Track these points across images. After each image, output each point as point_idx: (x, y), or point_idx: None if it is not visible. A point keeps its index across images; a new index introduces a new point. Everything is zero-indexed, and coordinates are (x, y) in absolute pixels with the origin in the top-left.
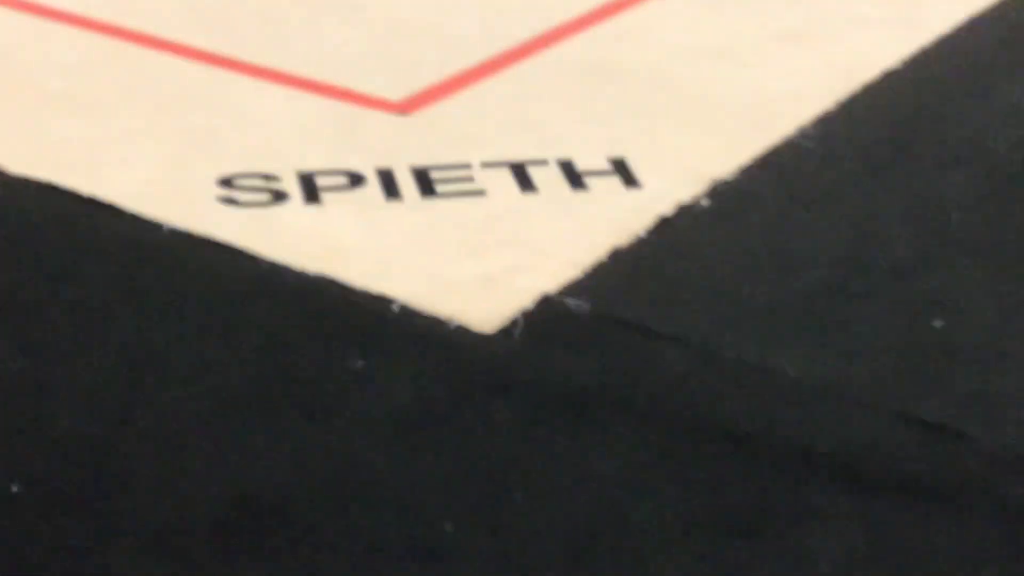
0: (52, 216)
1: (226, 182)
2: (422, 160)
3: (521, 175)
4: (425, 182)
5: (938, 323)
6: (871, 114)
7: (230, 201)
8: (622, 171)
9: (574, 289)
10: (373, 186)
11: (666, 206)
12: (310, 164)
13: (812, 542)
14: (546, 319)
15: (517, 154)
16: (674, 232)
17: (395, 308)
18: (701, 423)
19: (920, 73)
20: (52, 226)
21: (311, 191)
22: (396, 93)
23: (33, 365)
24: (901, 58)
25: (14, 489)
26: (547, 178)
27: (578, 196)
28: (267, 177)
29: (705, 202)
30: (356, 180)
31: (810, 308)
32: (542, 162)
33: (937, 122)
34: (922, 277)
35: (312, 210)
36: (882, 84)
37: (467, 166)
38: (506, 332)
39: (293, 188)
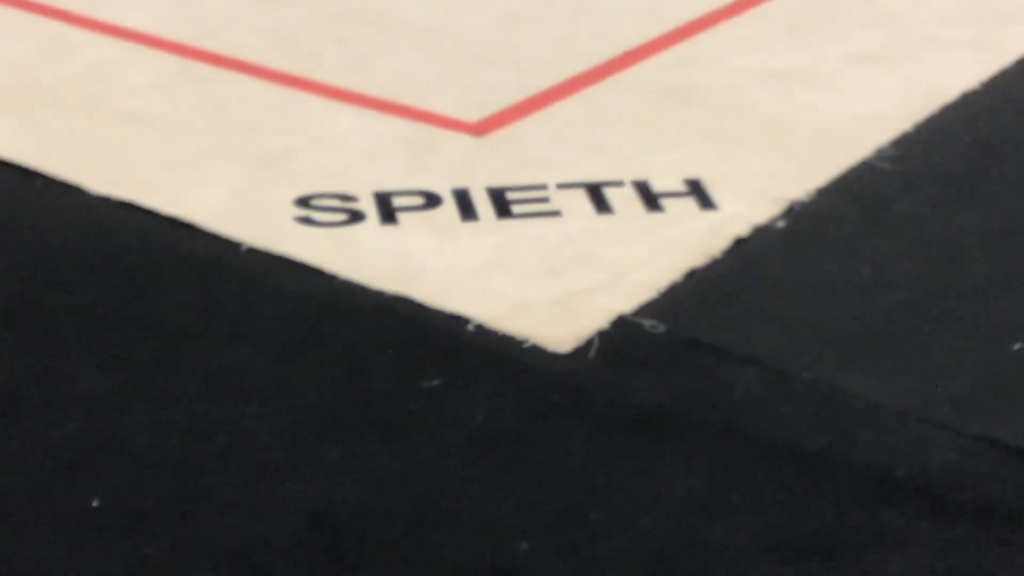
0: (132, 235)
1: (303, 202)
2: (498, 181)
3: (597, 196)
4: (501, 203)
5: (1018, 346)
6: (949, 136)
7: (307, 221)
8: (698, 193)
9: (649, 310)
10: (449, 206)
11: (742, 228)
12: (386, 184)
13: (889, 566)
14: (621, 340)
15: (593, 175)
16: (750, 254)
17: (471, 328)
18: (777, 445)
19: (999, 95)
20: (132, 245)
21: (387, 211)
22: (471, 114)
23: (114, 382)
24: (980, 80)
25: (95, 504)
26: (623, 199)
27: (654, 217)
28: (344, 197)
29: (781, 224)
30: (432, 200)
31: (888, 331)
32: (618, 183)
33: (1016, 144)
34: (1002, 300)
35: (388, 230)
36: (961, 106)
37: (543, 187)
38: (581, 352)
39: (370, 208)
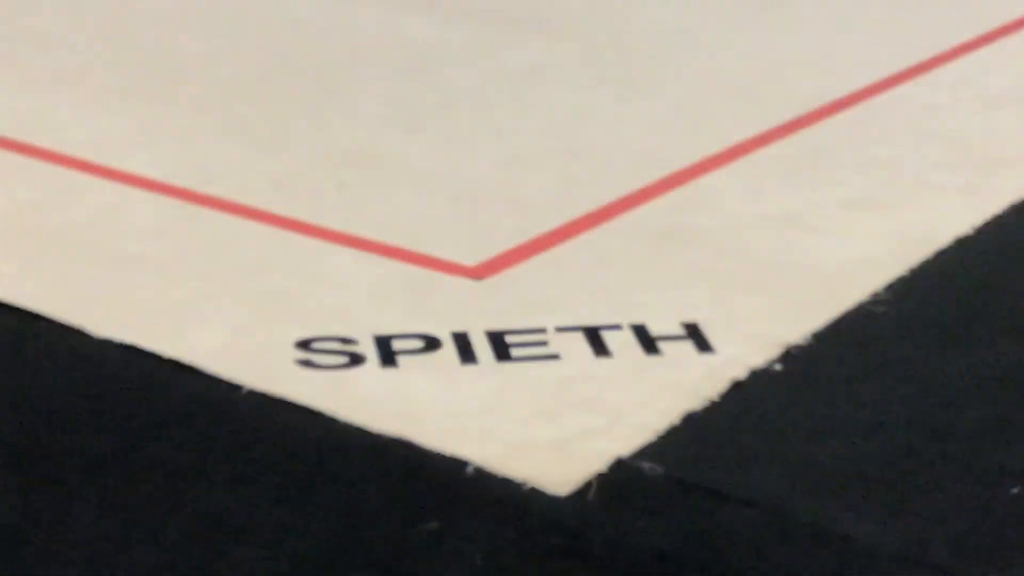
0: (133, 377)
1: (304, 344)
2: (497, 324)
3: (595, 339)
4: (500, 346)
5: (1016, 490)
6: (944, 281)
7: (308, 363)
8: (695, 336)
9: (648, 453)
10: (448, 349)
11: (739, 371)
12: (386, 327)
13: None
14: (620, 482)
15: (591, 319)
16: (747, 397)
17: (469, 470)
18: None
19: (993, 241)
20: (133, 387)
21: (387, 354)
22: (470, 258)
23: (114, 524)
24: (972, 225)
25: None
26: (621, 342)
27: (652, 360)
28: (344, 340)
29: (778, 367)
30: (432, 344)
31: (885, 474)
32: (616, 327)
33: (1009, 289)
34: (999, 444)
35: (388, 373)
36: (955, 251)
37: (542, 330)
38: (580, 495)
39: (370, 351)
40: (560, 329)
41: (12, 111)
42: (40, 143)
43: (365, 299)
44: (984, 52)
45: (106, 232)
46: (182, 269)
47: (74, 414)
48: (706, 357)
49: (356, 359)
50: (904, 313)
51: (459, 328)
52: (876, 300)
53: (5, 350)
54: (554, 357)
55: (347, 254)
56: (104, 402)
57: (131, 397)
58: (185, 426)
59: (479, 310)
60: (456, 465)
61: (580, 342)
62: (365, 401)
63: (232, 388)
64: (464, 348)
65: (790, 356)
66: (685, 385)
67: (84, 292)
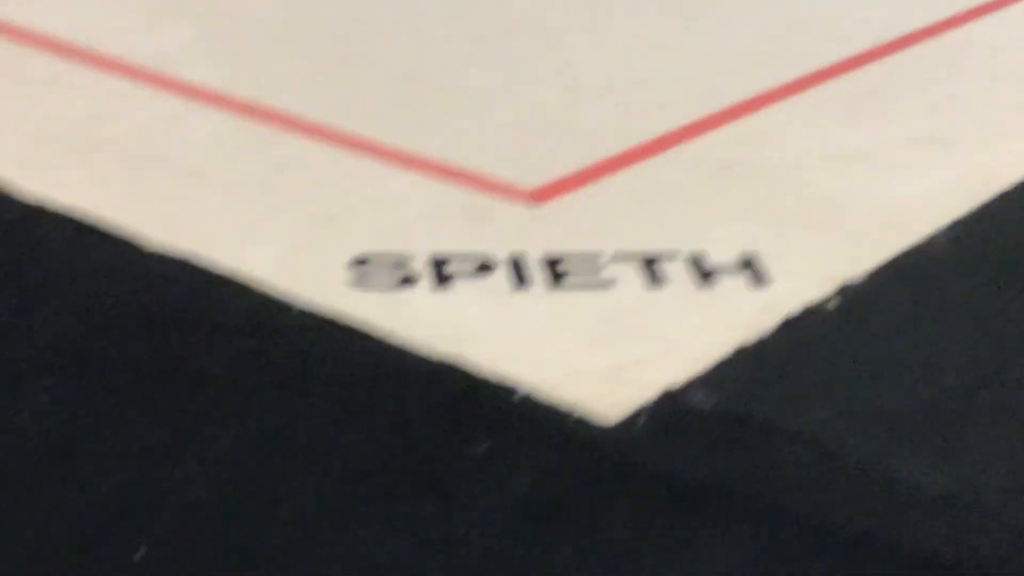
0: (186, 290)
1: (358, 264)
2: (552, 250)
3: (650, 269)
4: (554, 272)
5: None
6: (1006, 222)
7: (360, 283)
8: (751, 269)
9: (698, 385)
10: (502, 274)
11: (794, 306)
12: (441, 250)
13: None
14: (669, 413)
15: (647, 248)
16: (800, 333)
17: (519, 396)
18: (821, 524)
19: None
20: (186, 300)
21: (441, 276)
22: (529, 182)
23: (163, 435)
24: None
25: (138, 556)
26: (676, 273)
27: (706, 292)
28: (398, 261)
29: (833, 304)
30: (486, 267)
31: (937, 415)
32: (671, 257)
33: None
34: None
35: (441, 295)
36: (1018, 192)
37: (596, 257)
38: (628, 425)
39: (423, 272)
40: (615, 257)
41: (74, 20)
42: (102, 53)
43: (421, 220)
44: None
45: (165, 144)
46: (238, 184)
47: (127, 325)
48: (761, 291)
49: (410, 280)
50: (964, 253)
51: (514, 253)
52: (937, 239)
53: (62, 259)
54: (608, 285)
55: (405, 175)
56: (157, 314)
57: (184, 310)
58: (237, 342)
59: (535, 235)
60: (506, 390)
61: (635, 271)
62: (417, 322)
63: (285, 306)
64: (518, 273)
65: (846, 293)
66: (739, 318)
67: (141, 204)
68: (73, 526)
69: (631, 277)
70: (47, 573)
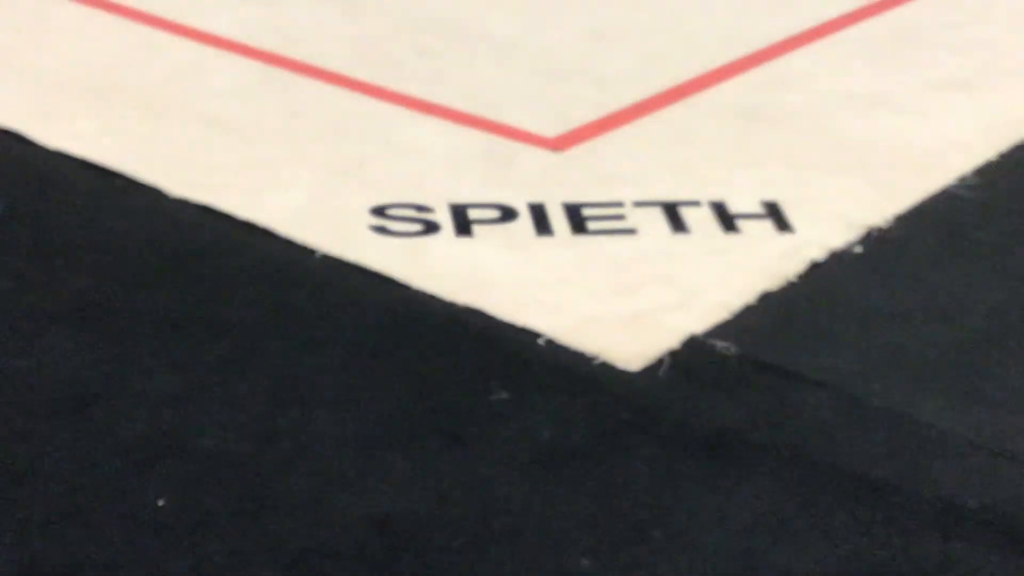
0: (208, 237)
1: (379, 211)
2: (574, 197)
3: (673, 215)
4: (577, 219)
5: None
6: None
7: (382, 230)
8: (775, 215)
9: (722, 331)
10: (525, 221)
11: (818, 252)
12: (463, 197)
13: None
14: (692, 360)
15: (669, 194)
16: (825, 278)
17: (541, 342)
18: (844, 470)
19: None
20: (207, 247)
21: (463, 223)
22: (551, 130)
23: (184, 383)
24: None
25: (161, 503)
26: (699, 219)
27: (729, 238)
28: (420, 208)
29: (858, 249)
30: (508, 214)
31: (962, 359)
32: (694, 203)
33: None
34: None
35: (463, 242)
36: None
37: (619, 204)
38: (651, 371)
39: (445, 219)
40: (638, 204)
41: None
42: (122, 1)
43: (442, 167)
44: None
45: (185, 92)
46: (260, 131)
47: (148, 272)
48: (785, 237)
49: (431, 227)
50: (991, 198)
51: (536, 199)
52: (963, 184)
53: (83, 207)
54: (631, 232)
55: (426, 122)
56: (178, 261)
57: (205, 258)
58: (256, 288)
59: (557, 182)
60: (528, 336)
61: (658, 218)
62: (438, 269)
63: (306, 252)
64: (540, 219)
65: (871, 238)
66: (762, 264)
67: (162, 151)
68: (95, 473)
69: (654, 224)
70: (72, 520)
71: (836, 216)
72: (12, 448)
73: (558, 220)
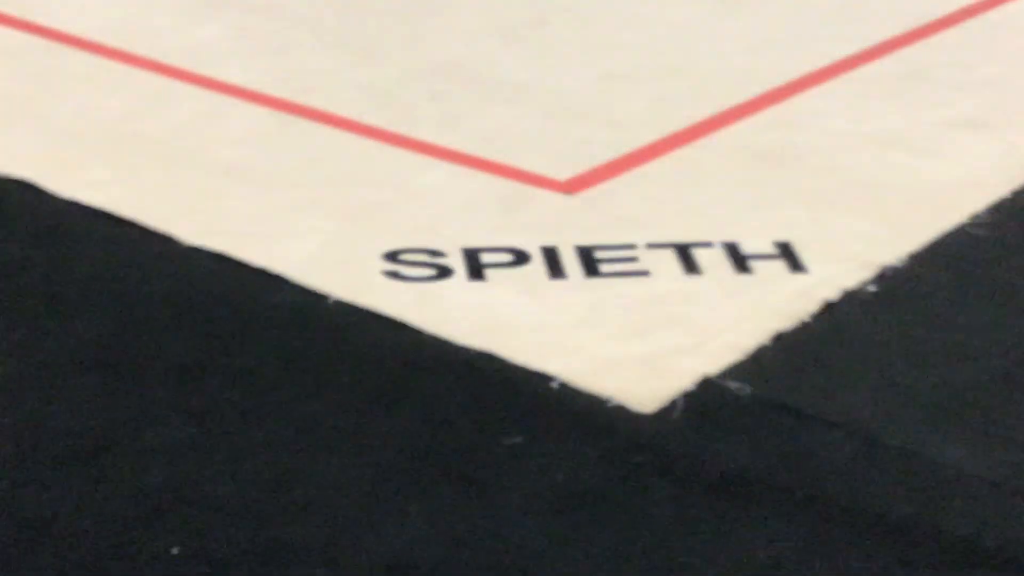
0: (222, 286)
1: (392, 256)
2: (587, 239)
3: (686, 257)
4: (589, 261)
5: None
6: None
7: (395, 275)
8: (788, 255)
9: (736, 372)
10: (538, 264)
11: (832, 292)
12: (475, 241)
13: None
14: (706, 401)
15: (682, 236)
16: (839, 318)
17: (555, 385)
18: (861, 512)
19: None
20: (221, 295)
21: (476, 268)
22: (562, 172)
23: (198, 431)
24: None
25: (174, 551)
26: (712, 260)
27: (743, 279)
28: (433, 252)
29: (872, 288)
30: (521, 258)
31: (979, 399)
32: (707, 244)
33: None
34: None
35: (476, 286)
36: None
37: (632, 246)
38: (665, 413)
39: (458, 264)
40: (651, 246)
41: (108, 18)
42: (136, 51)
43: (455, 212)
44: None
45: (199, 141)
46: (273, 179)
47: (162, 320)
48: (798, 277)
49: (444, 272)
50: (1005, 236)
51: (549, 243)
52: (977, 222)
53: (97, 255)
54: (644, 274)
55: (438, 167)
56: (192, 309)
57: (219, 305)
58: (271, 335)
59: (570, 225)
60: (541, 380)
61: (671, 259)
62: (452, 314)
63: (319, 298)
64: (553, 263)
65: (885, 277)
66: (776, 305)
67: (176, 200)
68: (109, 522)
69: (667, 265)
70: (85, 569)
71: (850, 256)
72: (26, 496)
73: (571, 263)
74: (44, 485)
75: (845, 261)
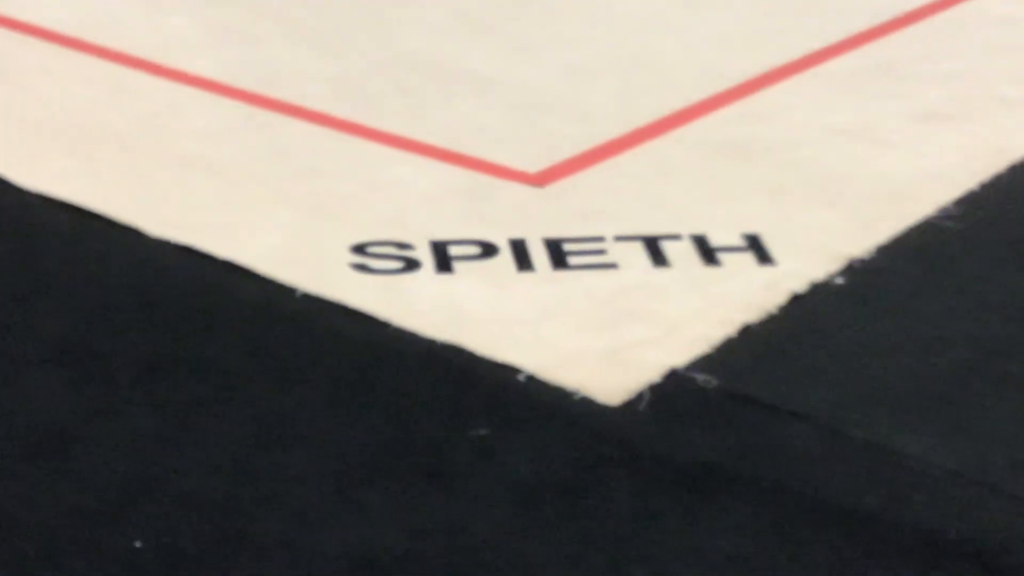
0: (187, 278)
1: (359, 249)
2: (555, 232)
3: (654, 249)
4: (557, 254)
5: None
6: (1014, 196)
7: (362, 268)
8: (756, 248)
9: (703, 364)
10: (505, 256)
11: (799, 284)
12: (443, 233)
13: None
14: (673, 394)
15: (650, 228)
16: (807, 310)
17: (521, 378)
18: (826, 504)
19: None
20: (187, 288)
21: (443, 260)
22: (531, 165)
23: (162, 424)
24: None
25: (137, 545)
26: (680, 253)
27: (710, 272)
28: (400, 245)
29: (839, 281)
30: (489, 250)
31: (944, 391)
32: (675, 237)
33: None
34: None
35: (443, 278)
36: None
37: (600, 239)
38: (632, 405)
39: (425, 256)
40: (619, 238)
41: (74, 9)
42: (101, 42)
43: (423, 204)
44: None
45: (165, 132)
46: (239, 171)
47: (127, 314)
48: (766, 269)
49: (411, 264)
50: (972, 228)
51: (517, 235)
52: (944, 215)
53: (61, 248)
54: (612, 266)
55: (406, 159)
56: (157, 302)
57: (185, 297)
58: (236, 328)
59: (537, 217)
60: (508, 372)
61: (638, 252)
62: (419, 306)
63: (286, 291)
64: (521, 255)
65: (852, 270)
66: (743, 297)
67: (141, 192)
68: (72, 516)
69: (635, 258)
70: (48, 562)
71: (817, 248)
72: None
73: (539, 255)
74: (6, 478)
75: (813, 253)
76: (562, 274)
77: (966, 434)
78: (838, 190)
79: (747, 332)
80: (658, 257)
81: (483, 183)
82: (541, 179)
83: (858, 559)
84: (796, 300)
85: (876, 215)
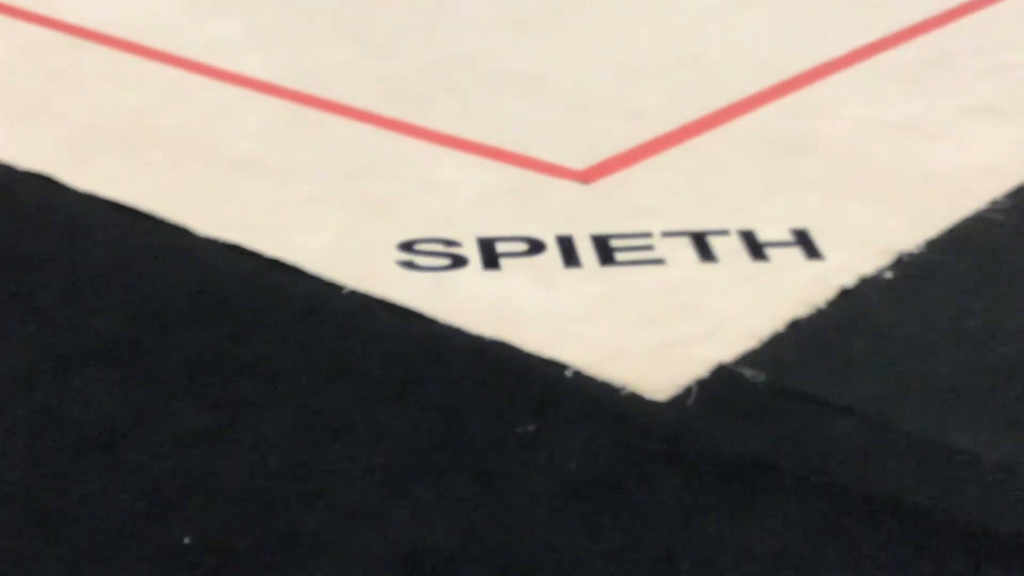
0: (237, 277)
1: (407, 246)
2: (602, 228)
3: (701, 245)
4: (605, 250)
5: None
6: None
7: (410, 265)
8: (804, 243)
9: (751, 359)
10: (553, 253)
11: (848, 278)
12: (490, 230)
13: None
14: (721, 388)
15: (698, 224)
16: (855, 304)
17: (569, 374)
18: (875, 497)
19: None
20: (236, 286)
21: (490, 257)
22: (578, 162)
23: (212, 421)
24: None
25: (186, 542)
26: (728, 248)
27: (758, 267)
28: (447, 242)
29: (889, 275)
30: (536, 247)
31: (995, 385)
32: (723, 232)
33: None
34: None
35: (491, 275)
36: None
37: (647, 235)
38: (679, 401)
39: (473, 254)
40: (666, 234)
41: (126, 13)
42: (153, 45)
43: (470, 202)
44: None
45: (215, 134)
46: (289, 171)
47: (177, 312)
48: (815, 264)
49: (459, 261)
50: (1022, 222)
51: (564, 232)
52: (995, 208)
53: (114, 248)
54: (659, 262)
55: (454, 157)
56: (207, 300)
57: (234, 296)
58: (286, 325)
59: (585, 214)
60: (555, 368)
61: (686, 247)
62: (466, 303)
63: (334, 288)
64: (568, 252)
65: (902, 264)
66: (791, 292)
67: (192, 192)
68: (122, 513)
69: (682, 253)
70: (97, 560)
71: (866, 242)
72: (41, 487)
73: (586, 252)
74: (57, 476)
75: (861, 248)
76: (609, 270)
77: (1017, 428)
78: (887, 184)
79: (795, 327)
80: (706, 253)
81: (530, 180)
82: (588, 176)
83: (908, 554)
84: (845, 295)
85: (926, 209)
